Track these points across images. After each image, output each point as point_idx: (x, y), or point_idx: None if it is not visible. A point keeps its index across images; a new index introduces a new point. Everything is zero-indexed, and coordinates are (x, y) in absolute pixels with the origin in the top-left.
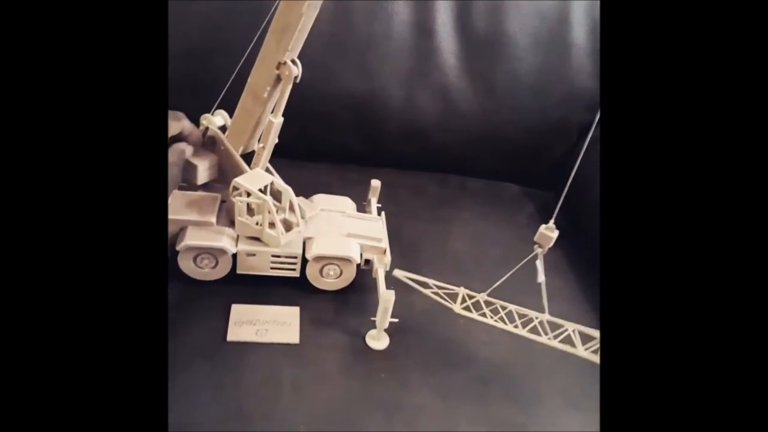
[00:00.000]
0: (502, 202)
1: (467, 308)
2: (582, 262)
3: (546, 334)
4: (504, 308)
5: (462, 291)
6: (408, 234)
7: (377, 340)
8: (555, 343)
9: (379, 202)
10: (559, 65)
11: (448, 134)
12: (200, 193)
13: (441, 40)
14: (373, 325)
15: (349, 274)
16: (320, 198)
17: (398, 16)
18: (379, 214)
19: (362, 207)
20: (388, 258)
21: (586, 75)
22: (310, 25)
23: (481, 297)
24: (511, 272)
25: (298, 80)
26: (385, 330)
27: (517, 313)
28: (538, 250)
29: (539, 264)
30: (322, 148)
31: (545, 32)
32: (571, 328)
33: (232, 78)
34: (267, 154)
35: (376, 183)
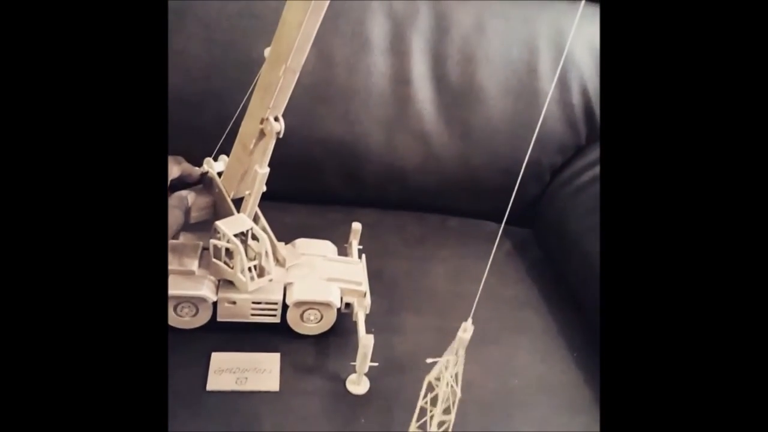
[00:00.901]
0: (480, 239)
1: None
2: (555, 296)
3: None
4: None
5: None
6: (389, 273)
7: (357, 385)
8: None
9: (360, 243)
10: (529, 111)
11: (427, 176)
12: (181, 241)
13: (418, 90)
14: (354, 370)
15: (330, 319)
16: (302, 242)
17: (377, 68)
18: (359, 256)
19: (344, 249)
20: (367, 301)
21: (555, 120)
22: (291, 86)
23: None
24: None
25: (280, 136)
26: (366, 374)
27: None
28: (461, 352)
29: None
30: (306, 190)
31: (515, 81)
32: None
33: (230, 124)
34: (254, 200)
35: (356, 226)
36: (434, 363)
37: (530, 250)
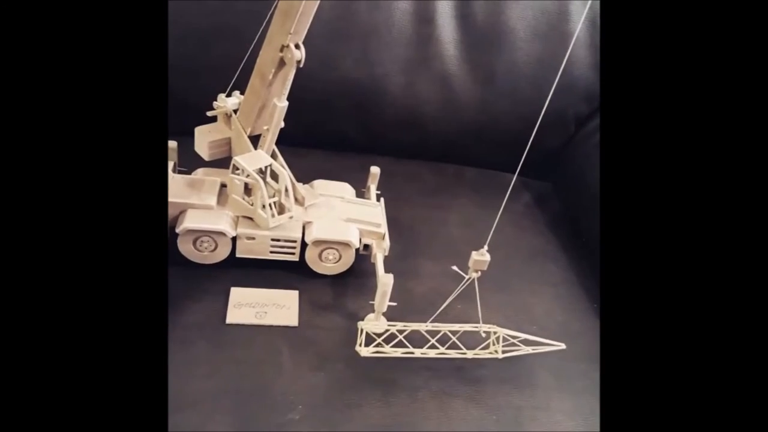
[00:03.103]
0: (498, 190)
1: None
2: (576, 248)
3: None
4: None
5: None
6: (404, 220)
7: (376, 322)
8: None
9: (377, 188)
10: (558, 56)
11: (445, 123)
12: (200, 176)
13: (441, 30)
14: (372, 309)
15: (348, 259)
16: (320, 183)
17: (399, 5)
18: (378, 200)
19: (361, 193)
20: (386, 243)
21: (584, 66)
22: (313, 10)
23: (421, 327)
24: (449, 299)
25: (301, 65)
26: (383, 314)
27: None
28: (474, 275)
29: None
30: (321, 135)
31: (544, 24)
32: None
33: (245, 59)
34: (272, 136)
35: (375, 170)
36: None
37: (550, 202)
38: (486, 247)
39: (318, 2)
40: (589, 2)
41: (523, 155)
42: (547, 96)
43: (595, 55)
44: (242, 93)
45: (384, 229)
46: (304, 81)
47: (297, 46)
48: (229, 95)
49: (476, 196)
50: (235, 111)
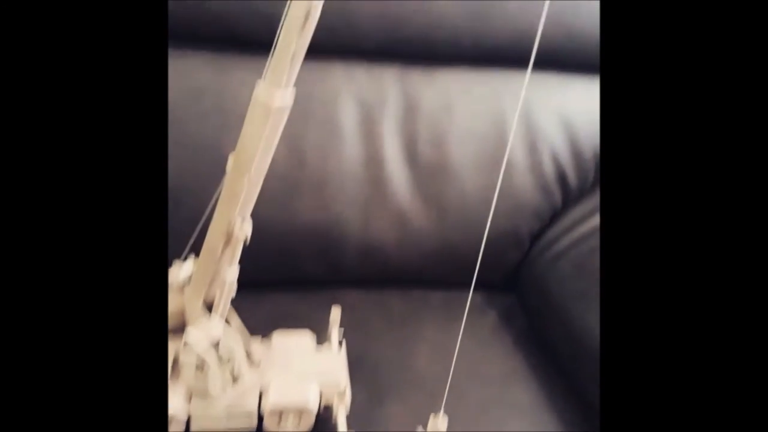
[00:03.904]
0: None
1: None
2: (545, 367)
3: None
4: None
5: None
6: (371, 358)
7: None
8: None
9: (342, 326)
10: (503, 184)
11: (406, 252)
12: None
13: (391, 171)
14: None
15: (309, 421)
16: (279, 335)
17: (349, 152)
18: (340, 345)
19: (325, 336)
20: (347, 398)
21: (528, 189)
22: (257, 191)
23: None
24: None
25: (247, 242)
26: None
27: None
28: None
29: None
30: (284, 276)
31: (485, 155)
32: None
33: (200, 224)
34: (225, 303)
35: (335, 314)
36: None
37: (516, 318)
38: (442, 411)
39: (261, 183)
40: (513, 129)
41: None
42: (497, 218)
43: (537, 178)
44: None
45: (345, 383)
46: (263, 228)
47: (243, 220)
48: (185, 258)
49: (443, 320)
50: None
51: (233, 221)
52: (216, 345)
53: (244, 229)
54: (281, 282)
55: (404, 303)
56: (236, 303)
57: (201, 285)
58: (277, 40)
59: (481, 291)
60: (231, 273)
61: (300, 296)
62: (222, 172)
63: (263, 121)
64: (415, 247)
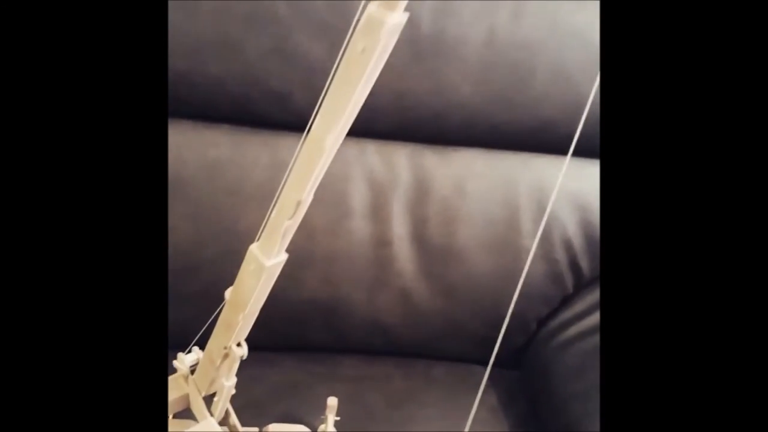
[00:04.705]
0: (467, 386)
1: None
2: None
3: None
4: None
5: None
6: None
7: None
8: None
9: (340, 407)
10: (512, 267)
11: (410, 329)
12: None
13: (399, 251)
14: None
15: None
16: (275, 429)
17: (358, 233)
18: None
19: (321, 420)
20: None
21: (538, 275)
22: (251, 322)
23: None
24: None
25: (244, 358)
26: None
27: None
28: None
29: None
30: (291, 343)
31: (496, 240)
32: None
33: (209, 320)
34: (222, 405)
35: (332, 401)
36: None
37: (517, 402)
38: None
39: (256, 315)
40: (543, 224)
41: (493, 351)
42: (504, 302)
43: (548, 264)
44: (202, 348)
45: None
46: (272, 300)
47: (239, 344)
48: (189, 352)
49: (444, 402)
50: (193, 370)
51: (229, 344)
52: None
53: (239, 352)
54: (287, 348)
55: (407, 379)
56: (244, 366)
57: (204, 380)
58: (272, 209)
59: (483, 364)
60: (228, 383)
61: (306, 363)
62: (238, 243)
63: (257, 276)
64: (420, 324)
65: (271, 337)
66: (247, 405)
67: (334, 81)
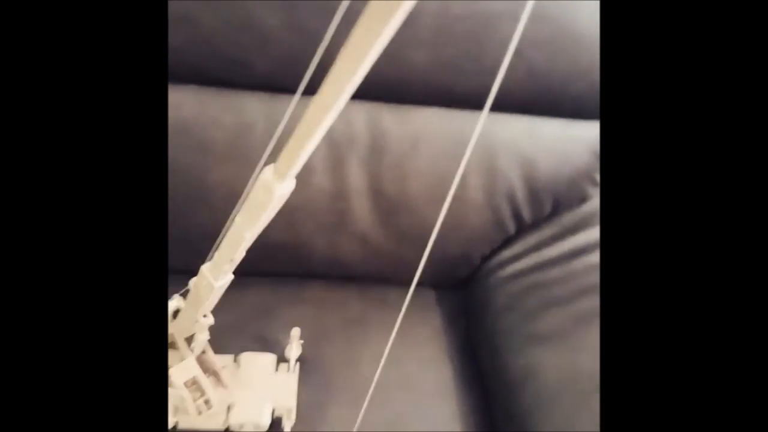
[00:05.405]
0: (419, 309)
1: None
2: (468, 384)
3: None
4: None
5: None
6: (324, 361)
7: None
8: None
9: (303, 326)
10: (458, 216)
11: (368, 265)
12: None
13: (356, 203)
14: None
15: None
16: (246, 357)
17: (318, 186)
18: (295, 364)
19: (284, 347)
20: (293, 415)
21: (483, 221)
22: (216, 299)
23: None
24: None
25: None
26: None
27: None
28: None
29: None
30: (260, 270)
31: (443, 191)
32: None
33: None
34: (200, 344)
35: (295, 332)
36: None
37: (460, 320)
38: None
39: (223, 290)
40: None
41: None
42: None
43: (492, 213)
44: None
45: (293, 402)
46: None
47: (205, 315)
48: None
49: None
50: (175, 314)
51: (198, 318)
52: (192, 382)
53: (207, 322)
54: (258, 274)
55: (362, 300)
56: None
57: (183, 327)
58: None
59: (434, 289)
60: (206, 323)
61: (276, 288)
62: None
63: (265, 204)
64: (376, 261)
65: (243, 266)
66: (224, 327)
67: None
